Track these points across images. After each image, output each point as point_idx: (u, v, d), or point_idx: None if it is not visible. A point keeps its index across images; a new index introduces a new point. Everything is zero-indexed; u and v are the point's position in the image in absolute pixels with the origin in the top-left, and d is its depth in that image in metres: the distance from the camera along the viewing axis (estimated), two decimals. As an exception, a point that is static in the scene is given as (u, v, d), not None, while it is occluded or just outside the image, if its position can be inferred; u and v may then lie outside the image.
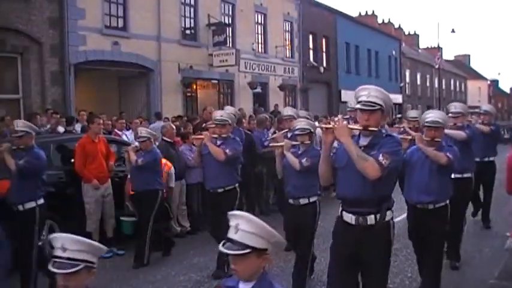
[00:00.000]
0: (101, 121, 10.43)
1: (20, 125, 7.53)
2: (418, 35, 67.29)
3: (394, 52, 48.21)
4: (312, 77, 33.34)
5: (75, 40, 18.40)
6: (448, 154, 6.38)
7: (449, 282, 7.29)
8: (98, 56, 19.23)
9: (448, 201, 6.57)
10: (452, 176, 6.94)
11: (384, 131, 4.84)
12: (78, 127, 13.80)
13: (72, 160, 9.58)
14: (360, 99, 4.80)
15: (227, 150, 7.83)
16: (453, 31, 51.67)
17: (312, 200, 6.96)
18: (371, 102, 4.60)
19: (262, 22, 29.19)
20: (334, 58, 36.58)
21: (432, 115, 6.66)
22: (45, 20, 17.47)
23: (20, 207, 7.12)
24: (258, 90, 27.72)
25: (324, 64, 35.26)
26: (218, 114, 8.14)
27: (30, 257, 7.06)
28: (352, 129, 4.62)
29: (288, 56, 31.38)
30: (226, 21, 25.72)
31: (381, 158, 4.44)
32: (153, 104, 21.53)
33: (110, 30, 19.93)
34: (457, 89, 72.81)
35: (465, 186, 8.35)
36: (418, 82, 55.60)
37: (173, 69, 22.37)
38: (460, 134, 8.27)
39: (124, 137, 13.08)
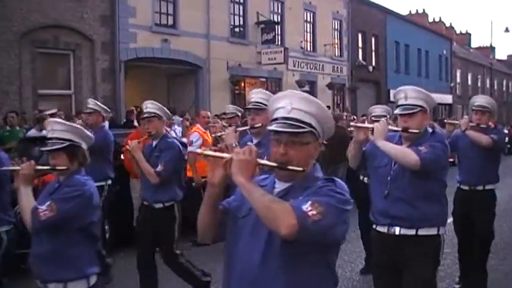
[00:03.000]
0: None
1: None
2: (469, 34, 66.02)
3: (444, 51, 47.38)
4: (361, 76, 33.04)
5: (126, 37, 18.66)
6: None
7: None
8: (148, 53, 19.45)
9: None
10: (476, 187, 6.62)
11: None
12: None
13: (122, 156, 9.64)
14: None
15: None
16: (507, 30, 50.47)
17: None
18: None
19: (311, 20, 29.07)
20: (384, 57, 36.16)
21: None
22: (97, 18, 17.80)
23: None
24: (306, 88, 27.56)
25: (373, 63, 34.89)
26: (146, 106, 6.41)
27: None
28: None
29: (336, 54, 31.17)
30: (275, 20, 25.71)
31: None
32: (201, 101, 21.65)
33: (160, 27, 20.15)
34: (510, 89, 71.09)
35: (488, 199, 6.67)
36: (469, 82, 54.52)
37: (222, 66, 22.47)
38: (484, 138, 6.40)
39: (173, 134, 13.13)
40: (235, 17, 23.96)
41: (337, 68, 30.92)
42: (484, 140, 6.30)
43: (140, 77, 20.47)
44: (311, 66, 28.47)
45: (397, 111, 4.50)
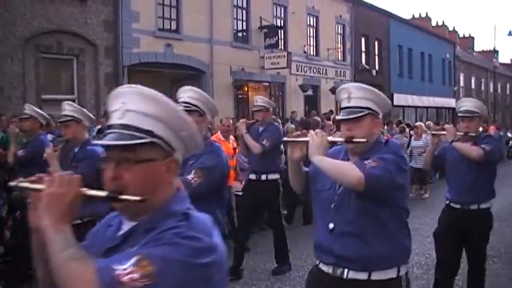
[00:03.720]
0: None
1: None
2: (473, 38, 65.95)
3: (448, 55, 47.37)
4: (364, 80, 32.90)
5: (129, 42, 18.69)
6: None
7: None
8: (151, 58, 19.48)
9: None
10: (468, 206, 5.83)
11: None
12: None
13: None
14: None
15: None
16: (510, 33, 50.35)
17: None
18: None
19: (314, 25, 29.08)
20: (387, 61, 36.16)
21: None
22: (100, 23, 17.84)
23: None
24: (310, 93, 27.61)
25: (376, 67, 34.86)
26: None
27: None
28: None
29: (339, 58, 31.18)
30: (278, 24, 25.74)
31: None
32: (205, 106, 21.57)
33: (163, 32, 20.18)
34: (514, 93, 71.11)
35: (483, 220, 5.88)
36: (473, 86, 54.49)
37: (225, 71, 22.48)
38: (474, 151, 5.58)
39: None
40: (238, 21, 23.98)
41: (341, 72, 30.91)
42: (473, 153, 5.55)
43: (143, 82, 20.01)
44: (314, 71, 28.47)
45: (339, 116, 3.58)
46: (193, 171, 4.00)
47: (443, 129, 6.24)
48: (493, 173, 5.92)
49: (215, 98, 21.67)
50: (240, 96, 24.02)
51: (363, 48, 34.01)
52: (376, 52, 35.46)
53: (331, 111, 23.87)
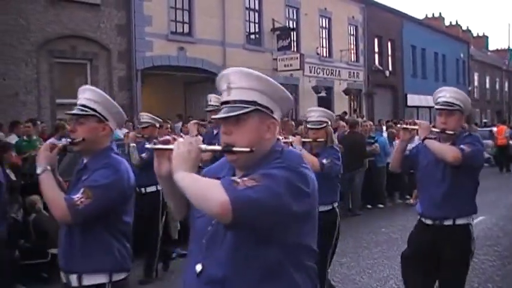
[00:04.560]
0: (168, 126, 10.58)
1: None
2: (487, 37, 65.51)
3: (461, 55, 47.14)
4: (377, 81, 32.93)
5: (142, 46, 18.78)
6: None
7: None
8: (164, 61, 19.55)
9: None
10: (440, 222, 4.65)
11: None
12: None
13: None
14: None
15: None
16: (524, 33, 50.03)
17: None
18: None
19: (327, 26, 29.05)
20: (400, 62, 36.02)
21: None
22: (114, 28, 17.94)
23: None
24: (323, 94, 27.57)
25: (390, 68, 34.75)
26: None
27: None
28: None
29: (352, 60, 31.12)
30: (291, 26, 25.72)
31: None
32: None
33: (176, 36, 20.24)
34: (529, 92, 70.60)
35: (460, 240, 4.64)
36: (487, 85, 54.17)
37: (238, 74, 22.44)
38: (450, 151, 4.53)
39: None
40: (251, 24, 24.02)
41: (354, 73, 30.85)
42: (449, 154, 4.47)
43: (157, 85, 20.55)
44: (327, 72, 28.43)
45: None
46: (81, 190, 3.25)
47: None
48: (474, 181, 4.76)
49: (228, 101, 21.86)
50: (254, 98, 23.98)
51: (376, 49, 33.89)
52: (390, 53, 35.33)
53: (344, 112, 23.85)
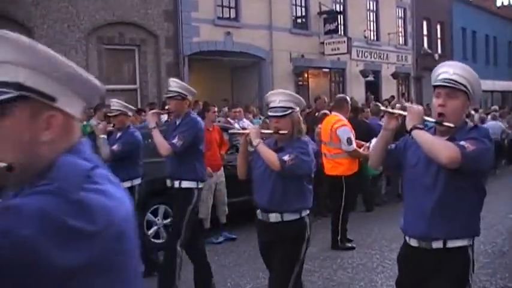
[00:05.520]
0: (216, 109, 10.52)
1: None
2: (540, 18, 63.61)
3: (514, 37, 45.98)
4: (426, 64, 32.27)
5: (189, 32, 18.86)
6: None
7: None
8: (211, 46, 19.59)
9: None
10: (429, 244, 3.49)
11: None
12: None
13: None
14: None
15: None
16: None
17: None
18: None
19: (374, 9, 28.65)
20: (450, 45, 35.31)
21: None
22: (161, 14, 18.06)
23: None
24: (371, 78, 27.26)
25: (439, 51, 34.08)
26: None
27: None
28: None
29: (401, 43, 30.63)
30: (338, 9, 25.44)
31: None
32: (265, 93, 21.51)
33: (222, 21, 20.26)
34: None
35: (454, 263, 3.49)
36: (541, 68, 52.73)
37: (285, 58, 22.42)
38: (445, 148, 3.31)
39: (237, 126, 13.20)
40: (297, 7, 23.84)
41: (402, 56, 30.39)
42: (444, 152, 3.25)
43: (204, 71, 20.64)
44: (375, 56, 28.07)
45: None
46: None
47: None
48: (477, 191, 3.47)
49: (275, 86, 21.81)
50: (300, 83, 23.92)
51: (425, 32, 33.29)
52: (439, 35, 34.71)
53: (392, 96, 23.55)
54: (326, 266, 7.81)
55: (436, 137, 3.44)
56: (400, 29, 30.77)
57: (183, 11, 18.63)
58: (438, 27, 34.55)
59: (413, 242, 3.57)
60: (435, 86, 3.49)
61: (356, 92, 24.26)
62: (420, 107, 3.61)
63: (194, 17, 19.00)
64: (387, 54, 28.99)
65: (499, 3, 52.02)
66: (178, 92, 6.16)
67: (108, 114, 7.86)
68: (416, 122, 3.42)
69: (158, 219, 8.91)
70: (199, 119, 6.38)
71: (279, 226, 4.64)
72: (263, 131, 4.84)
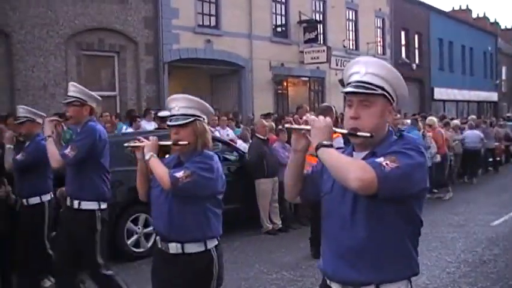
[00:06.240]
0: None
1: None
2: (515, 30, 64.49)
3: (489, 48, 46.53)
4: (404, 74, 31.27)
5: (169, 39, 18.79)
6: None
7: None
8: (191, 54, 19.54)
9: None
10: None
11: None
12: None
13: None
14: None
15: None
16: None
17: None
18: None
19: (354, 18, 28.85)
20: (427, 55, 35.67)
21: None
22: (141, 20, 17.97)
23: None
24: (349, 87, 27.34)
25: (417, 61, 34.44)
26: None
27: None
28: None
29: (379, 52, 30.80)
30: (318, 18, 25.56)
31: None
32: (245, 101, 21.67)
33: (203, 28, 20.22)
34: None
35: None
36: (516, 79, 53.41)
37: (264, 66, 22.45)
38: (356, 170, 2.48)
39: (217, 134, 13.17)
40: (278, 16, 23.89)
41: (380, 66, 30.55)
42: (352, 174, 2.46)
43: (184, 78, 20.57)
44: (354, 65, 28.17)
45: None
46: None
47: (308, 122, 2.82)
48: (409, 220, 2.69)
49: (255, 94, 21.88)
50: (280, 91, 23.97)
51: (403, 42, 33.65)
52: (416, 45, 35.05)
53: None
54: (308, 275, 7.78)
55: (344, 155, 2.66)
56: (378, 39, 31.02)
57: (164, 18, 18.56)
58: (416, 37, 34.89)
59: (333, 285, 2.80)
60: (346, 92, 2.72)
61: (335, 101, 24.32)
62: (328, 119, 2.71)
63: (174, 24, 18.94)
64: (366, 64, 29.14)
65: (474, 15, 52.70)
66: (77, 98, 5.49)
67: (15, 122, 7.06)
68: (323, 138, 2.63)
69: (139, 228, 8.80)
70: (99, 127, 5.57)
71: (179, 259, 3.84)
72: (161, 142, 4.04)
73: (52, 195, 6.36)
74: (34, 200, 6.16)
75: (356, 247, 2.65)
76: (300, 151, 2.87)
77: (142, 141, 4.01)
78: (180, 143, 3.84)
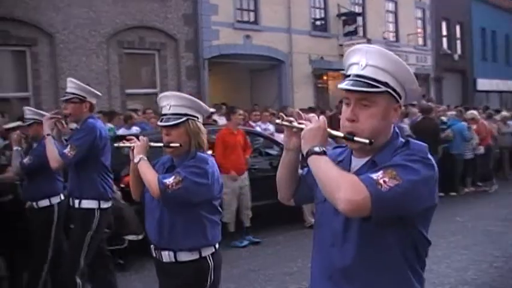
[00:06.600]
0: (241, 112, 10.46)
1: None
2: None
3: (534, 36, 45.52)
4: (446, 65, 32.15)
5: (209, 35, 18.90)
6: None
7: None
8: (230, 49, 19.61)
9: None
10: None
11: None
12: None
13: (210, 152, 9.68)
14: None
15: None
16: None
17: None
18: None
19: (394, 10, 28.51)
20: (469, 45, 34.99)
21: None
22: (180, 17, 18.12)
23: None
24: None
25: (459, 52, 33.85)
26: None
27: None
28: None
29: (420, 44, 30.43)
30: (357, 11, 25.36)
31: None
32: (285, 95, 21.67)
33: (242, 24, 20.27)
34: None
35: None
36: (562, 68, 52.17)
37: (304, 60, 22.38)
38: (350, 190, 2.08)
39: (258, 129, 13.20)
40: (316, 10, 23.77)
41: (421, 57, 30.20)
42: (342, 194, 2.07)
43: (223, 74, 20.68)
44: (394, 57, 27.89)
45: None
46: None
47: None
48: (412, 242, 2.32)
49: (294, 88, 21.86)
50: (320, 85, 23.87)
51: (444, 33, 33.04)
52: (458, 36, 34.42)
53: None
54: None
55: (336, 167, 2.20)
56: (419, 30, 30.59)
57: (203, 15, 18.67)
58: (457, 27, 34.29)
59: None
60: (342, 89, 2.29)
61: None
62: (322, 118, 2.36)
63: (214, 20, 19.04)
64: (406, 56, 28.78)
65: (518, 3, 51.58)
66: (75, 94, 5.37)
67: (22, 124, 6.94)
68: (315, 143, 2.26)
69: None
70: (99, 124, 5.48)
71: (172, 268, 3.68)
72: (152, 144, 3.84)
73: (62, 197, 6.21)
74: (44, 203, 6.06)
75: (345, 269, 2.30)
76: (291, 150, 2.55)
77: (133, 141, 3.86)
78: (172, 145, 3.64)
